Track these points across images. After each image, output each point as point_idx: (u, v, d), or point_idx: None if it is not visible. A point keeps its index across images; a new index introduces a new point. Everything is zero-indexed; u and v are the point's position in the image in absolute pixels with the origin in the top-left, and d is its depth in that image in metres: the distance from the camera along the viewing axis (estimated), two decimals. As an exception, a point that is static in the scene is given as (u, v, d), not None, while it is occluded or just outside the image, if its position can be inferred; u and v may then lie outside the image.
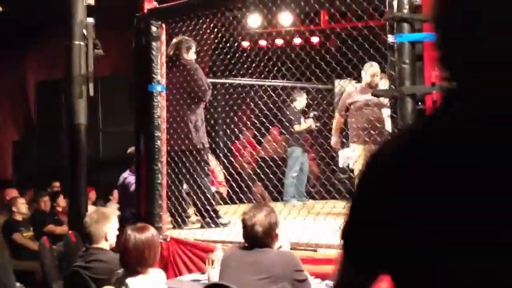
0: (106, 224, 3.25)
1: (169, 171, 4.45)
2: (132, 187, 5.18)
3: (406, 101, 2.90)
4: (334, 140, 5.06)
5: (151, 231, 2.86)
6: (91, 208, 5.09)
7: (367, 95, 4.38)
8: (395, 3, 2.91)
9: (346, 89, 5.02)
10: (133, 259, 2.76)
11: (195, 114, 4.59)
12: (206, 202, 4.39)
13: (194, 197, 4.44)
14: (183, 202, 4.49)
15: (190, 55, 4.70)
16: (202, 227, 4.42)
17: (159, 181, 4.30)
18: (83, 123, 5.48)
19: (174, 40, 4.66)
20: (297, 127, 6.28)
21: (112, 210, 4.92)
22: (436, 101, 2.83)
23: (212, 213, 4.39)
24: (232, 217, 4.28)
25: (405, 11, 2.87)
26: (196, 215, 4.53)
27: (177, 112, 4.54)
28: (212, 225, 4.35)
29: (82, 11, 5.57)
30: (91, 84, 5.50)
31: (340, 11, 4.34)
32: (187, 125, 4.53)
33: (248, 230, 2.80)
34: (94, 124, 7.33)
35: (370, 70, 4.45)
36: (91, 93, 5.52)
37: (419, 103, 2.91)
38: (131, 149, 5.40)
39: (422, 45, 2.88)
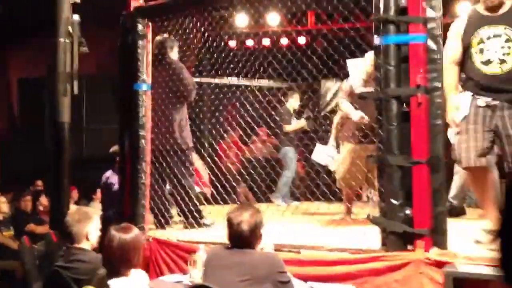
0: (87, 224, 3.21)
1: (153, 170, 4.42)
2: (115, 187, 5.13)
3: (391, 103, 2.90)
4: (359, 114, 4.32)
5: (135, 232, 2.83)
6: (73, 207, 5.03)
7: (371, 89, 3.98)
8: (381, 5, 2.91)
9: (345, 83, 4.68)
10: (117, 259, 2.73)
11: (179, 113, 4.55)
12: (189, 203, 4.36)
13: (178, 197, 4.40)
14: (166, 202, 4.46)
15: (174, 55, 4.66)
16: (185, 227, 4.38)
17: (143, 181, 4.26)
18: (67, 121, 5.42)
19: (158, 38, 4.61)
20: (288, 127, 6.27)
21: (94, 209, 4.86)
22: (420, 103, 2.83)
23: (195, 213, 4.36)
24: (217, 217, 4.25)
25: (391, 13, 2.87)
26: (179, 215, 4.50)
27: (162, 111, 4.50)
28: (196, 226, 4.33)
29: (67, 8, 5.51)
30: (75, 82, 5.45)
31: (327, 12, 4.34)
32: (172, 124, 4.48)
33: (233, 228, 2.78)
34: (78, 122, 7.27)
35: (372, 59, 4.09)
36: (75, 91, 5.46)
37: (404, 105, 2.91)
38: (114, 148, 5.35)
39: (407, 47, 2.88)
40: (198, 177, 5.30)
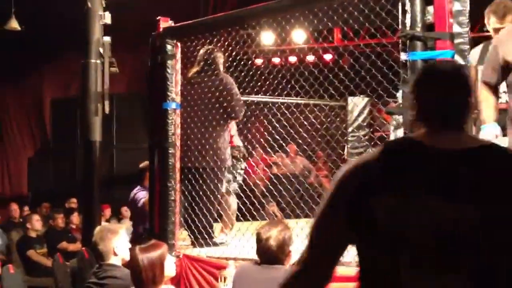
0: (112, 240, 3.26)
1: (190, 188, 4.43)
2: (140, 203, 5.18)
3: (419, 118, 2.90)
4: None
5: (161, 249, 2.86)
6: (99, 226, 5.10)
7: None
8: (407, 21, 2.92)
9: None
10: (143, 277, 2.76)
11: (223, 129, 4.50)
12: (203, 219, 4.34)
13: (192, 213, 4.37)
14: (209, 220, 4.37)
15: (220, 66, 4.56)
16: (193, 245, 4.37)
17: (173, 198, 4.31)
18: (98, 140, 5.55)
19: (202, 51, 4.54)
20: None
21: (119, 224, 4.92)
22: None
23: (209, 230, 4.34)
24: (245, 233, 4.27)
25: (418, 29, 2.88)
26: (189, 235, 4.45)
27: (205, 128, 4.43)
28: (204, 245, 4.29)
29: (98, 29, 5.67)
30: (106, 102, 5.58)
31: (353, 29, 4.36)
32: (216, 142, 4.40)
33: (261, 244, 2.80)
34: (108, 141, 7.39)
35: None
36: (107, 110, 5.59)
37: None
38: (143, 164, 5.43)
39: (435, 63, 2.88)
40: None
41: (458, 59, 2.86)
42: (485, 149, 1.41)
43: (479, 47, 3.25)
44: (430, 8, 2.89)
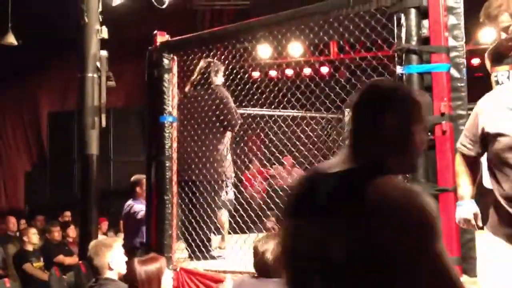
0: (106, 254, 3.26)
1: (188, 202, 4.43)
2: (139, 215, 5.18)
3: (416, 131, 2.91)
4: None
5: (157, 264, 2.85)
6: (94, 240, 5.08)
7: None
8: (403, 35, 2.95)
9: None
10: (139, 290, 2.76)
11: (221, 142, 4.52)
12: (203, 234, 4.35)
13: (189, 226, 4.37)
14: (205, 233, 4.38)
15: (219, 79, 4.61)
16: (190, 258, 4.36)
17: (170, 211, 4.31)
18: (95, 154, 5.55)
19: (201, 64, 4.60)
20: None
21: (114, 238, 4.89)
22: (445, 131, 2.84)
23: (206, 243, 4.34)
24: (242, 247, 4.26)
25: (413, 42, 2.91)
26: (186, 248, 4.44)
27: (202, 141, 4.45)
28: (201, 258, 4.28)
29: (95, 44, 5.70)
30: (103, 115, 5.60)
31: (350, 42, 4.39)
32: (213, 155, 4.42)
33: (258, 257, 2.80)
34: (105, 154, 7.40)
35: None
36: (103, 124, 5.60)
37: (429, 133, 2.92)
38: (134, 177, 5.44)
39: (430, 76, 2.90)
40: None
41: (454, 72, 2.88)
42: (347, 173, 1.40)
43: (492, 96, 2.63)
44: (425, 22, 2.92)
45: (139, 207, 5.22)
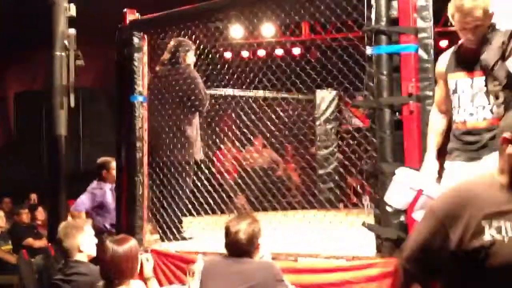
0: (77, 236, 3.24)
1: (159, 183, 4.41)
2: (103, 199, 5.22)
3: (384, 111, 2.95)
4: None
5: (130, 243, 2.85)
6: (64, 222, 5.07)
7: None
8: (373, 16, 2.97)
9: None
10: (112, 271, 2.75)
11: (191, 124, 4.49)
12: (172, 214, 4.34)
13: (160, 208, 4.37)
14: (176, 215, 4.36)
15: (189, 59, 4.54)
16: (161, 239, 4.37)
17: (140, 192, 4.28)
18: (64, 134, 5.46)
19: (172, 43, 4.54)
20: None
21: (84, 220, 4.89)
22: (412, 111, 2.88)
23: (177, 225, 4.34)
24: (214, 227, 4.28)
25: (383, 23, 2.93)
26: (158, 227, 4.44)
27: (172, 121, 4.41)
28: (172, 239, 4.28)
29: (63, 22, 5.56)
30: (72, 95, 5.49)
31: (320, 23, 4.40)
32: (182, 136, 4.40)
33: (231, 237, 2.82)
34: (74, 135, 7.29)
35: None
36: (72, 104, 5.50)
37: (397, 113, 2.96)
38: (101, 160, 5.41)
39: (399, 56, 2.93)
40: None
41: (422, 53, 2.92)
42: None
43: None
44: (395, 3, 2.94)
45: (102, 190, 5.26)
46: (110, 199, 5.29)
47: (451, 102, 2.83)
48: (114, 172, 5.09)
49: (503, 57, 2.65)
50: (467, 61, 2.77)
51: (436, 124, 2.87)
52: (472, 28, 2.67)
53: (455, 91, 2.79)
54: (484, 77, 2.70)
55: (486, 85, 2.70)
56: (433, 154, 2.84)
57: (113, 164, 5.12)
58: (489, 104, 2.70)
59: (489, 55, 2.67)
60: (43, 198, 7.28)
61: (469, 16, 2.64)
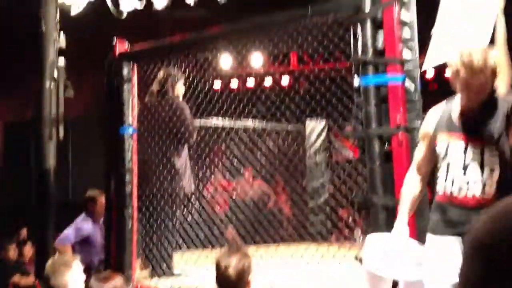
0: (65, 274, 3.15)
1: (148, 216, 4.34)
2: (92, 234, 5.14)
3: (374, 142, 2.93)
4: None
5: (116, 281, 2.77)
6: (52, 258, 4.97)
7: None
8: (359, 47, 2.97)
9: None
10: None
11: (180, 156, 4.44)
12: (164, 250, 4.25)
13: (150, 243, 4.28)
14: (167, 249, 4.29)
15: (179, 90, 4.52)
16: (151, 275, 4.27)
17: (130, 227, 4.20)
18: (52, 166, 5.39)
19: (161, 74, 4.54)
20: None
21: (72, 256, 4.79)
22: (402, 142, 2.86)
23: (167, 260, 4.25)
24: (205, 262, 4.20)
25: (369, 54, 2.93)
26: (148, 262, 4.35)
27: (161, 153, 4.36)
28: (162, 275, 4.18)
29: (53, 52, 5.56)
30: (61, 126, 5.45)
31: (309, 53, 4.42)
32: (172, 168, 4.33)
33: (221, 273, 2.75)
34: (64, 166, 7.21)
35: None
36: (61, 135, 5.45)
37: (386, 144, 2.93)
38: (88, 193, 5.35)
39: (386, 87, 2.92)
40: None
41: (409, 84, 2.91)
42: None
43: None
44: (381, 35, 2.94)
45: (90, 224, 5.19)
46: (97, 234, 5.21)
47: (436, 165, 2.56)
48: (102, 206, 5.03)
49: (507, 128, 2.37)
50: (464, 122, 2.47)
51: (412, 188, 2.61)
52: (479, 88, 2.38)
53: (445, 156, 2.49)
54: (481, 146, 2.41)
55: (482, 155, 2.41)
56: (404, 223, 2.57)
57: (101, 198, 5.06)
58: (482, 178, 2.41)
59: (495, 124, 2.39)
60: (30, 231, 7.15)
61: (478, 75, 2.34)
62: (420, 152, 2.64)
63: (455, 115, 2.50)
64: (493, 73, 2.38)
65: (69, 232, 5.25)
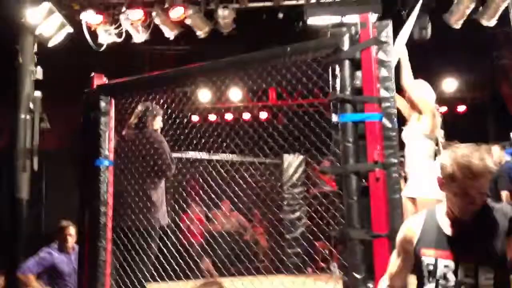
0: None
1: (122, 248, 4.31)
2: (61, 265, 5.07)
3: (351, 178, 2.99)
4: None
5: None
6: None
7: None
8: (337, 85, 3.06)
9: None
10: None
11: (156, 189, 4.45)
12: (138, 283, 4.20)
13: (131, 275, 4.25)
14: (142, 281, 4.26)
15: (157, 124, 4.58)
16: None
17: (103, 259, 4.15)
18: (25, 198, 5.33)
19: (139, 108, 4.58)
20: None
21: (39, 287, 4.74)
22: (378, 178, 2.92)
23: None
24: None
25: (347, 92, 3.02)
26: None
27: (138, 186, 4.38)
28: None
29: (29, 84, 5.56)
30: (35, 158, 5.41)
31: (287, 89, 4.51)
32: (148, 200, 4.35)
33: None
34: (37, 198, 7.10)
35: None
36: (35, 167, 5.41)
37: (363, 180, 2.99)
38: (60, 224, 5.30)
39: (364, 124, 3.00)
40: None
41: (386, 122, 3.00)
42: None
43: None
44: (359, 73, 3.04)
45: (59, 256, 5.13)
46: (64, 264, 5.14)
47: (420, 280, 2.29)
48: (69, 237, 5.00)
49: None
50: (455, 238, 2.18)
51: None
52: (478, 196, 2.10)
53: (433, 275, 2.21)
54: (475, 266, 2.10)
55: (476, 277, 2.10)
56: None
57: (70, 229, 5.02)
58: None
59: (492, 241, 2.10)
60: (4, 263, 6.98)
61: (479, 179, 2.08)
62: (394, 266, 2.45)
63: (445, 229, 2.23)
64: (490, 176, 2.13)
65: (30, 262, 5.18)
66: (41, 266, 5.15)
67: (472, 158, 2.08)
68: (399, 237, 2.43)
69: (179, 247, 4.67)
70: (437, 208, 2.31)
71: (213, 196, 4.77)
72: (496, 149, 7.01)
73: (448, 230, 2.22)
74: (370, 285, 2.90)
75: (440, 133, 4.39)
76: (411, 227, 2.38)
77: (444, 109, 10.68)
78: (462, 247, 2.14)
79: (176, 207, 5.30)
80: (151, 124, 4.55)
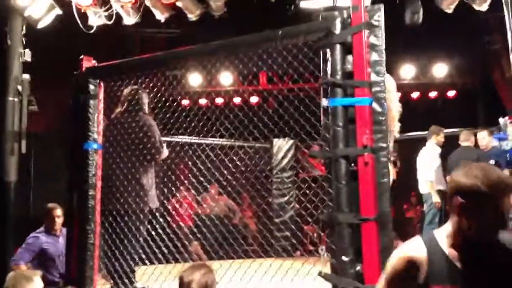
0: (26, 287, 3.10)
1: (111, 232, 4.31)
2: (51, 248, 5.07)
3: (340, 162, 3.00)
4: None
5: None
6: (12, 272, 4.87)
7: None
8: (328, 69, 3.05)
9: None
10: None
11: (146, 172, 4.44)
12: (127, 265, 4.22)
13: (119, 257, 4.26)
14: (130, 264, 4.28)
15: (145, 107, 4.57)
16: None
17: (92, 242, 4.15)
18: (13, 181, 5.31)
19: (128, 91, 4.55)
20: None
21: (34, 271, 4.73)
22: (367, 162, 2.94)
23: (129, 275, 4.23)
24: (168, 277, 4.18)
25: (338, 76, 3.02)
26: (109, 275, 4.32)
27: (127, 169, 4.38)
28: None
29: (17, 67, 5.50)
30: (23, 141, 5.38)
31: (278, 74, 4.50)
32: (137, 184, 4.35)
33: None
34: (26, 181, 7.07)
35: None
36: (23, 150, 5.38)
37: (352, 164, 3.01)
38: (47, 206, 5.29)
39: (354, 109, 3.01)
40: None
41: (376, 106, 3.01)
42: None
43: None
44: (350, 58, 3.04)
45: (49, 239, 5.12)
46: (52, 246, 5.14)
47: None
48: (57, 219, 4.99)
49: None
50: (474, 271, 1.88)
51: None
52: (503, 213, 1.84)
53: None
54: None
55: None
56: None
57: (57, 211, 5.01)
58: None
59: None
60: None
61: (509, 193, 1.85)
62: None
63: (455, 261, 1.91)
64: None
65: (20, 252, 5.15)
66: (31, 253, 5.14)
67: (500, 174, 1.88)
68: (394, 271, 2.00)
69: (168, 230, 4.69)
70: (437, 236, 1.99)
71: (202, 179, 4.78)
72: (484, 134, 7.07)
73: (458, 263, 1.91)
74: (358, 267, 2.93)
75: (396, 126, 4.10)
76: (412, 258, 1.96)
77: (434, 94, 10.73)
78: (483, 282, 1.86)
79: (165, 190, 5.30)
80: (140, 107, 4.53)
